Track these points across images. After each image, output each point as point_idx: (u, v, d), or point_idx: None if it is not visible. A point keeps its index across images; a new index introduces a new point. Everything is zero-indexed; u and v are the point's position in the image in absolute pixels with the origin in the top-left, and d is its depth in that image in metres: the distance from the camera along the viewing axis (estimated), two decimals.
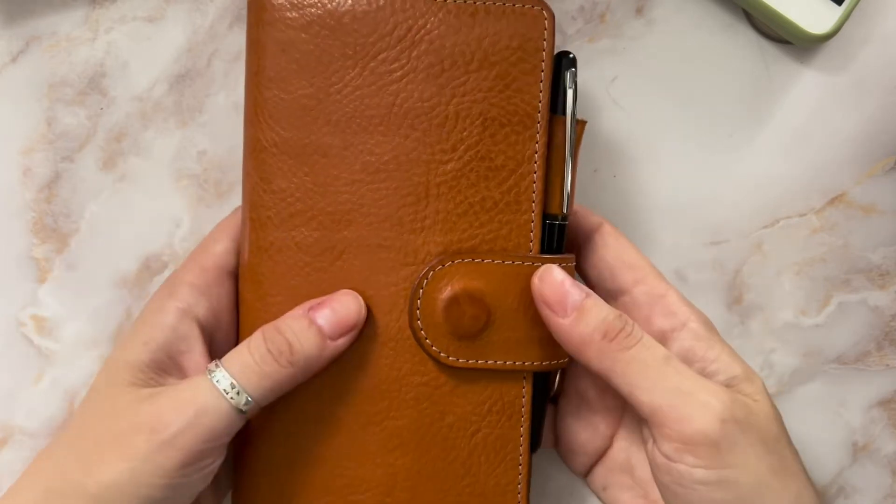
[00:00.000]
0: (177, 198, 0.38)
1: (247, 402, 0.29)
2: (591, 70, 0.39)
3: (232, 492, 0.33)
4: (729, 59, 0.39)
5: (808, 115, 0.39)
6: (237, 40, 0.38)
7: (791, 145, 0.40)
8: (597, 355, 0.30)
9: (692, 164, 0.39)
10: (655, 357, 0.30)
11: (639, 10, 0.39)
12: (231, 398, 0.29)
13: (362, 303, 0.31)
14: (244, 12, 0.38)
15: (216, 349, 0.33)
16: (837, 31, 0.37)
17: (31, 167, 0.38)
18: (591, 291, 0.31)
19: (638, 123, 0.39)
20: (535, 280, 0.32)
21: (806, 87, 0.39)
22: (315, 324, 0.30)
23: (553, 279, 0.31)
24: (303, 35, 0.31)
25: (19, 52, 0.38)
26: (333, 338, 0.31)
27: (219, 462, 0.31)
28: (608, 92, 0.39)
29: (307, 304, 0.31)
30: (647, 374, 0.30)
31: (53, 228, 0.38)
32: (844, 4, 0.37)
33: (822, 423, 0.41)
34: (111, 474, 0.28)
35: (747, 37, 0.39)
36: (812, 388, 0.40)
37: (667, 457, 0.30)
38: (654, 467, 0.31)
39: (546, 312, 0.31)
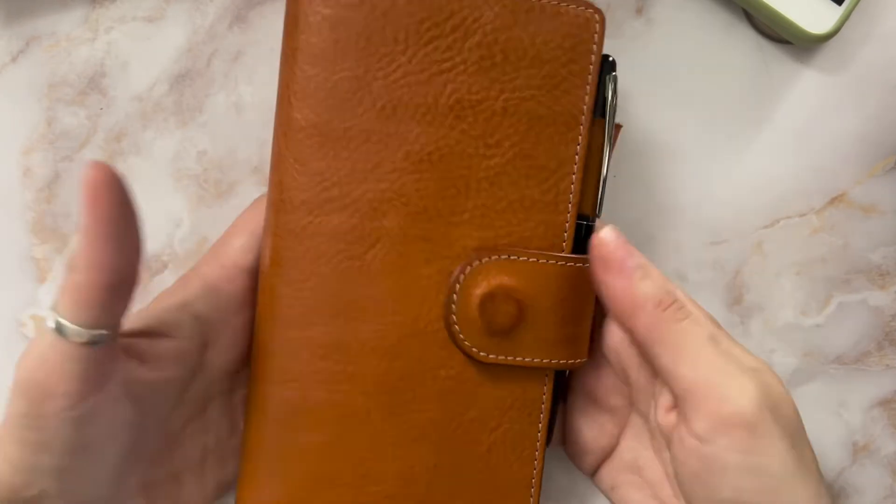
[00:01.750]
0: (177, 198, 0.38)
1: (69, 322, 0.25)
2: None
3: (238, 478, 0.33)
4: (729, 59, 0.39)
5: (808, 115, 0.39)
6: (237, 40, 0.38)
7: (791, 145, 0.40)
8: (646, 322, 0.30)
9: (692, 164, 0.39)
10: (703, 334, 0.30)
11: (639, 10, 0.39)
12: (49, 323, 0.26)
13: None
14: (244, 12, 0.38)
15: (217, 344, 0.32)
16: (837, 31, 0.37)
17: (31, 167, 0.38)
18: (648, 261, 0.31)
19: (637, 123, 0.39)
20: (596, 238, 0.31)
21: (806, 87, 0.39)
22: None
23: (615, 238, 0.31)
24: (353, 14, 0.30)
25: (19, 52, 0.38)
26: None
27: (82, 410, 0.27)
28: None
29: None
30: (694, 347, 0.30)
31: (53, 228, 0.38)
32: (844, 4, 0.37)
33: (822, 423, 0.41)
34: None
35: (747, 37, 0.39)
36: (812, 388, 0.40)
37: (698, 438, 0.29)
38: (680, 453, 0.31)
39: (601, 271, 0.31)
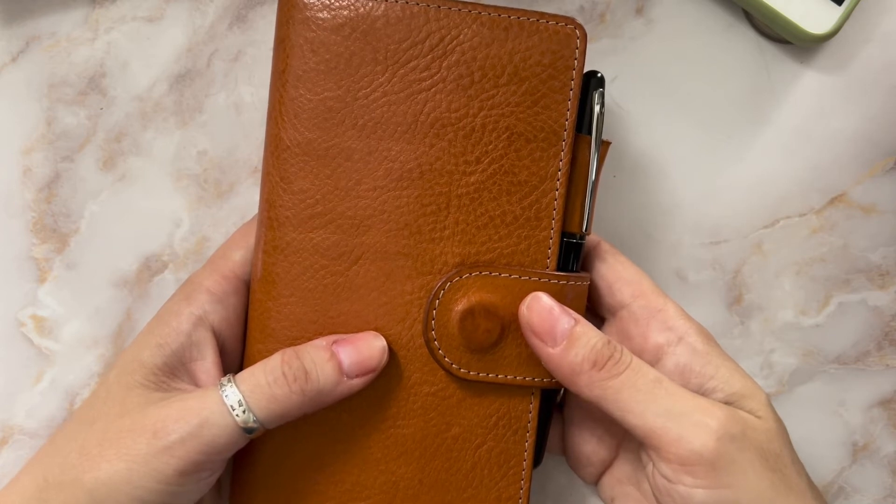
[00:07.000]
0: (177, 198, 0.38)
1: (254, 422, 0.29)
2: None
3: (230, 492, 0.33)
4: (729, 59, 0.39)
5: (808, 115, 0.39)
6: (237, 40, 0.38)
7: (791, 145, 0.40)
8: (587, 384, 0.30)
9: (692, 164, 0.39)
10: (645, 381, 0.30)
11: (639, 10, 0.39)
12: (237, 415, 0.29)
13: (386, 347, 0.31)
14: (244, 12, 0.38)
15: (226, 357, 0.33)
16: (837, 31, 0.37)
17: (31, 167, 0.38)
18: (579, 317, 0.31)
19: (637, 123, 0.39)
20: (523, 309, 0.31)
21: (806, 87, 0.39)
22: (336, 358, 0.30)
23: (541, 307, 0.31)
24: (334, 36, 0.31)
25: (19, 52, 0.38)
26: (350, 376, 0.31)
27: (217, 475, 0.31)
28: (608, 92, 0.39)
29: (332, 337, 0.31)
30: (637, 398, 0.30)
31: (53, 228, 0.38)
32: (844, 4, 0.37)
33: (822, 423, 0.41)
34: (108, 472, 0.29)
35: (747, 37, 0.39)
36: (812, 388, 0.40)
37: (666, 478, 0.30)
38: (655, 490, 0.31)
39: (535, 342, 0.31)
